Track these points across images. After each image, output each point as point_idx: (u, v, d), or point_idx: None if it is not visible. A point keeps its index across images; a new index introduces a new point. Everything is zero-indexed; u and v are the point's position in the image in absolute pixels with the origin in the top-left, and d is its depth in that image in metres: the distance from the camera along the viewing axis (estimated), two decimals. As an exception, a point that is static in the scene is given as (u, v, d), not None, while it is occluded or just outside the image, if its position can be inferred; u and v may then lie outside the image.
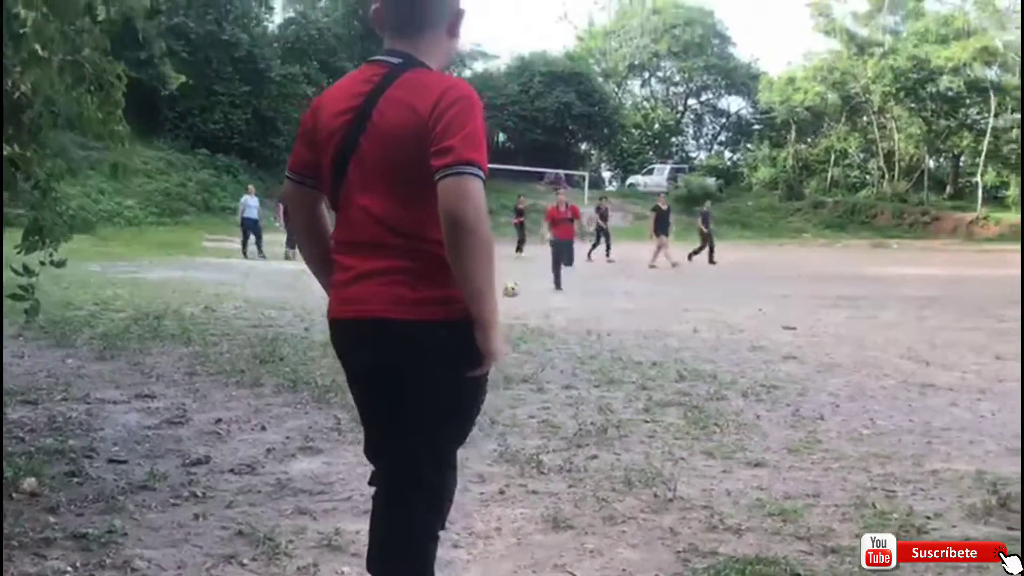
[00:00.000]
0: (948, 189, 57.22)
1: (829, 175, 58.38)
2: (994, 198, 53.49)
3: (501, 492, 4.23)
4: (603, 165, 65.76)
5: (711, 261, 25.40)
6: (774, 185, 57.70)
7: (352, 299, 2.39)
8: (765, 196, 55.70)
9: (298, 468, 4.59)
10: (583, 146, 61.03)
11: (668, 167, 56.71)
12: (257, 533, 3.62)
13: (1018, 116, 53.81)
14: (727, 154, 67.64)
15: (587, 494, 4.20)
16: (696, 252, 25.92)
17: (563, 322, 10.98)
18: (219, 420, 5.55)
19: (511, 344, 8.84)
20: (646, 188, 53.20)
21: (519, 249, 29.57)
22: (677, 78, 66.72)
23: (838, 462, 4.88)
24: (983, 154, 52.03)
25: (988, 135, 51.88)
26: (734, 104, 67.86)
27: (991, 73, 53.14)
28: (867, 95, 54.84)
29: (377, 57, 2.46)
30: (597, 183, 57.38)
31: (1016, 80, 52.03)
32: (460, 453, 4.69)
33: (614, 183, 62.49)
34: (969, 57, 50.24)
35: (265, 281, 16.23)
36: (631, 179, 58.18)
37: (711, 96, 67.92)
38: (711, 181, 53.14)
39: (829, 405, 6.42)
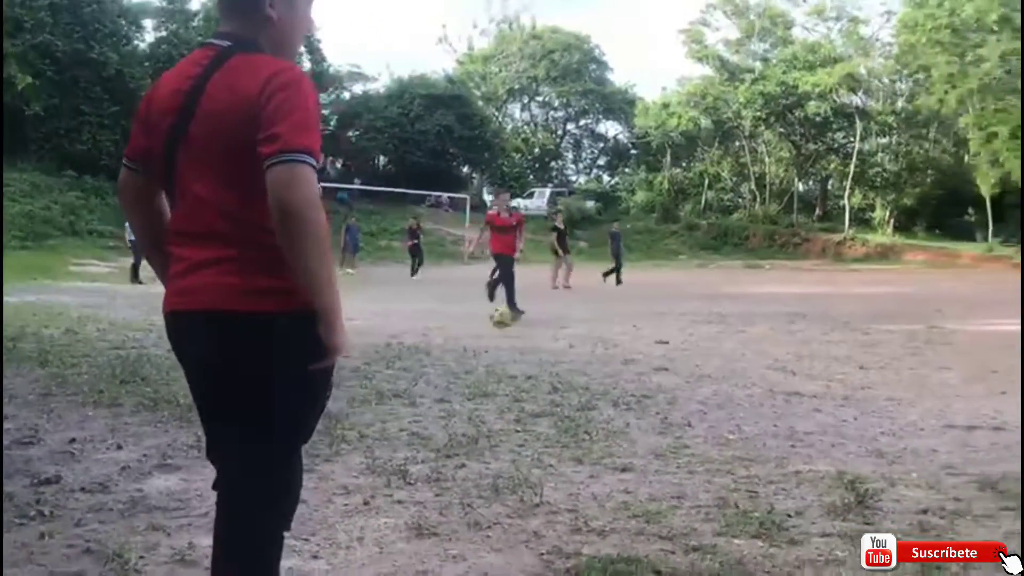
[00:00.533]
0: (817, 211, 59.33)
1: (703, 198, 59.88)
2: (861, 220, 55.63)
3: (366, 503, 4.15)
4: (485, 188, 66.05)
5: (618, 282, 25.48)
6: (651, 208, 58.89)
7: (185, 291, 2.30)
8: (642, 219, 56.77)
9: (154, 485, 4.42)
10: (465, 169, 61.17)
11: (548, 191, 57.32)
12: (106, 550, 3.46)
13: (884, 140, 56.27)
14: (605, 178, 68.79)
15: (453, 502, 4.15)
16: (609, 272, 25.96)
17: (440, 340, 10.93)
18: (73, 440, 5.32)
19: (386, 362, 8.76)
20: (527, 211, 53.58)
21: (414, 272, 29.26)
22: (556, 103, 67.61)
23: (703, 465, 4.94)
24: (850, 177, 54.16)
25: (854, 159, 54.02)
26: (611, 129, 69.17)
27: (856, 99, 55.43)
28: (739, 120, 56.58)
29: (209, 40, 2.39)
30: (479, 207, 57.57)
31: (880, 105, 54.40)
32: (325, 467, 4.67)
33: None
34: (835, 83, 52.34)
35: (133, 303, 15.71)
36: (513, 202, 58.53)
37: (589, 121, 69.08)
38: (590, 204, 54.01)
39: (697, 413, 6.52)
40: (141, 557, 3.41)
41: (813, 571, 3.34)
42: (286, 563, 2.94)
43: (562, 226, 24.56)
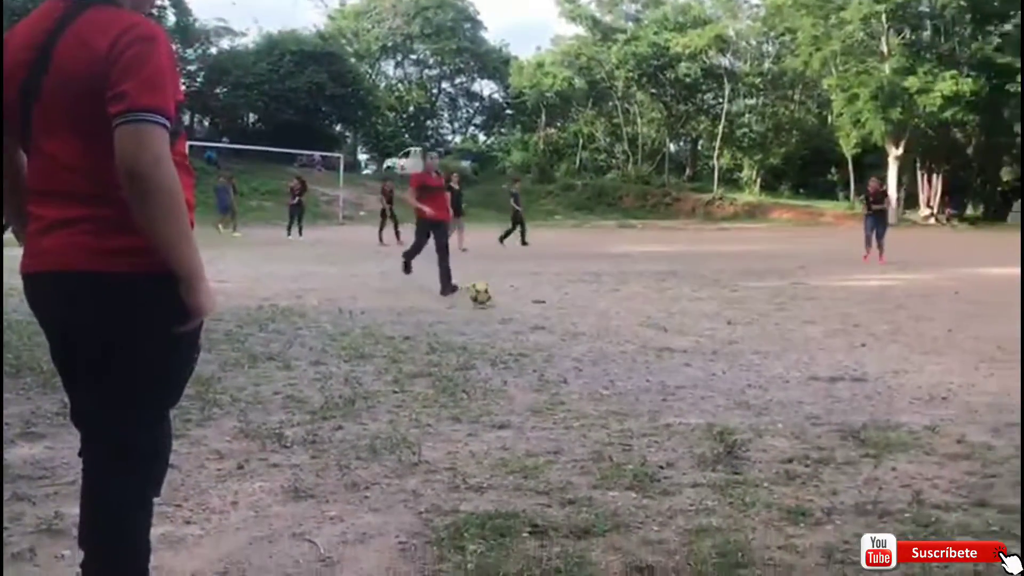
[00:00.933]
0: (688, 171, 60.61)
1: (578, 159, 60.49)
2: (729, 180, 57.06)
3: (240, 467, 4.08)
4: (359, 148, 65.25)
5: (524, 243, 24.80)
6: (526, 168, 59.17)
7: (41, 251, 2.21)
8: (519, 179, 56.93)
9: (17, 454, 4.25)
10: (338, 128, 60.30)
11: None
12: (-35, 523, 3.31)
13: (751, 101, 57.67)
14: (481, 137, 68.80)
15: (330, 464, 4.12)
16: (507, 235, 25.25)
17: (315, 302, 10.78)
18: (-75, 411, 5.07)
19: (259, 325, 8.60)
20: (403, 171, 53.20)
21: (290, 232, 28.56)
22: (430, 61, 67.16)
23: (579, 421, 5.02)
24: (719, 138, 55.41)
25: (723, 120, 55.24)
26: (487, 88, 69.15)
27: (725, 61, 56.63)
28: (612, 81, 57.18)
29: None
30: (353, 166, 56.86)
31: (747, 67, 55.69)
32: (196, 432, 4.58)
33: (371, 166, 62.18)
34: (704, 45, 53.36)
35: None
36: (388, 162, 58.03)
37: (464, 80, 68.83)
38: (466, 164, 53.92)
39: (573, 370, 6.61)
40: (5, 528, 3.28)
41: (684, 520, 3.44)
42: (158, 530, 2.87)
43: (457, 187, 24.12)
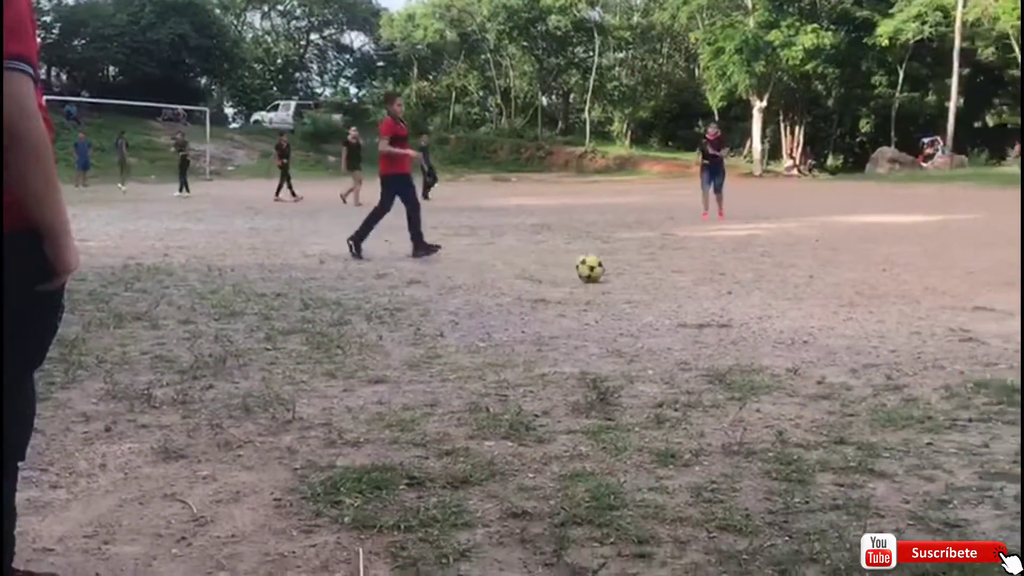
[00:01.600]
0: (560, 125, 60.93)
1: (451, 112, 60.15)
2: (601, 133, 57.65)
3: (107, 429, 3.97)
4: (225, 101, 63.46)
5: (426, 197, 24.23)
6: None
7: None
8: (391, 132, 56.32)
9: None
10: (203, 81, 58.49)
11: (294, 103, 55.87)
12: None
13: (621, 55, 58.24)
14: (352, 90, 67.72)
15: (201, 423, 4.04)
16: (428, 187, 25.43)
17: (183, 259, 10.52)
18: None
19: (124, 284, 8.35)
20: (272, 125, 52.11)
21: (185, 188, 27.62)
22: (298, 12, 65.59)
23: (455, 373, 5.05)
24: (590, 91, 55.83)
25: (594, 73, 55.65)
26: (357, 40, 67.98)
27: (594, 14, 56.97)
28: (483, 33, 56.88)
29: None
30: (220, 120, 55.30)
31: (617, 20, 56.14)
32: (61, 394, 4.44)
33: (238, 120, 60.63)
34: (574, -2, 53.50)
35: None
36: (256, 116, 56.65)
37: (333, 31, 67.53)
38: (337, 118, 53.06)
39: (449, 323, 6.63)
40: None
41: (559, 466, 3.51)
42: (23, 495, 2.78)
43: (355, 141, 23.66)
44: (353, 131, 24.70)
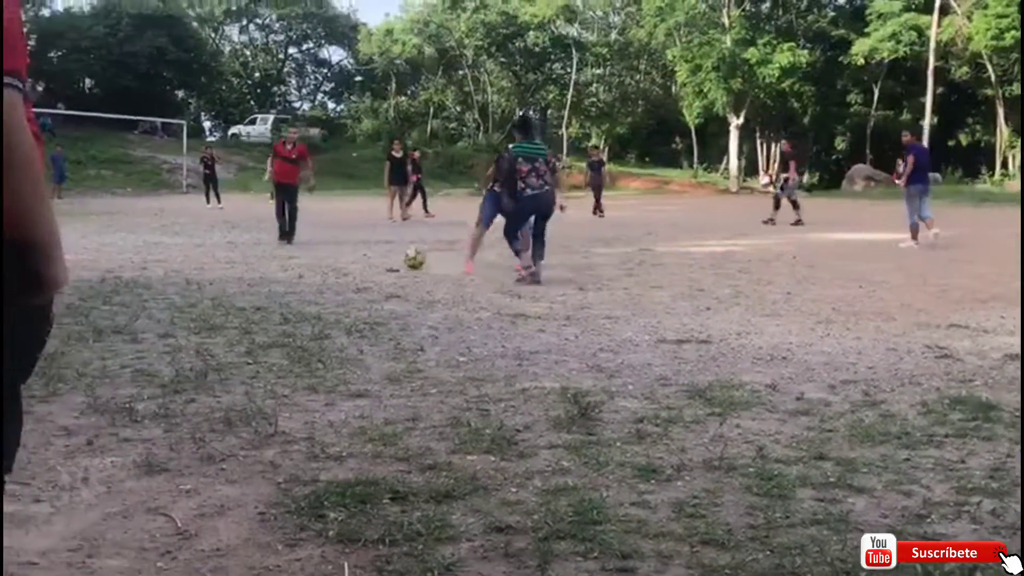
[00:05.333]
0: (538, 140, 60.98)
1: (429, 127, 60.18)
2: (579, 148, 57.80)
3: (89, 443, 3.95)
4: (203, 114, 63.27)
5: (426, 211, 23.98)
6: (377, 136, 58.44)
7: None
8: (369, 147, 56.33)
9: None
10: (180, 94, 58.28)
11: (272, 117, 55.66)
12: None
13: (598, 71, 58.50)
14: (331, 105, 67.66)
15: (184, 437, 4.04)
16: (425, 201, 24.51)
17: (161, 273, 10.48)
18: None
19: (102, 298, 8.31)
20: (249, 138, 51.98)
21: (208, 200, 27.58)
22: (276, 26, 65.47)
23: (436, 388, 5.06)
24: (567, 107, 56.04)
25: (571, 89, 55.88)
26: (335, 54, 67.92)
27: (572, 30, 57.23)
28: (461, 49, 57.03)
29: None
30: (198, 133, 55.09)
31: (594, 37, 56.41)
32: (41, 408, 4.42)
33: (216, 133, 60.42)
34: (553, 14, 53.76)
35: None
36: (233, 129, 56.48)
37: (312, 46, 67.47)
38: (315, 132, 52.94)
39: (429, 337, 6.64)
40: None
41: (541, 480, 3.53)
42: (5, 509, 2.76)
43: (399, 154, 23.33)
44: (396, 144, 24.17)
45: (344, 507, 3.20)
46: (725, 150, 51.95)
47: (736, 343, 6.52)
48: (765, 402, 4.77)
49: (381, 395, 4.89)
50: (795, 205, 20.32)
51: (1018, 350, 5.95)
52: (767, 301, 8.74)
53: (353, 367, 5.56)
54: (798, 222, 19.90)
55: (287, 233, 15.14)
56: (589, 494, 3.36)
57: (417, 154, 26.32)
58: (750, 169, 53.14)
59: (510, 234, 10.50)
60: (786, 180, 20.77)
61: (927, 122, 44.74)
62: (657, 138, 59.32)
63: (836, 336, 6.84)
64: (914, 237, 14.69)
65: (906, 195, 15.01)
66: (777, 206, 20.61)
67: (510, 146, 11.03)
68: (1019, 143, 44.50)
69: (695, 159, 52.65)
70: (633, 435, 4.14)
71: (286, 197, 15.30)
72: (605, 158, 18.97)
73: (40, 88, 48.47)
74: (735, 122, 49.75)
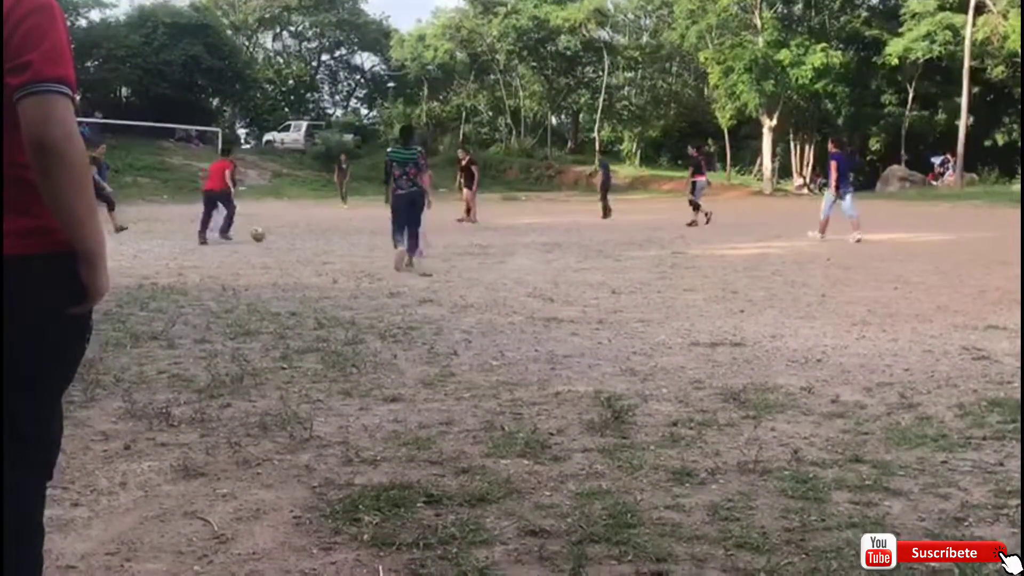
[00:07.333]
0: (569, 144, 61.00)
1: (461, 132, 60.23)
2: (610, 152, 57.69)
3: (127, 447, 4.01)
4: (237, 122, 63.73)
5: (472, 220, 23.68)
6: (408, 142, 58.51)
7: None
8: (401, 153, 56.39)
9: None
10: (215, 102, 58.70)
11: (305, 124, 55.95)
12: None
13: (630, 75, 58.38)
14: (363, 111, 67.91)
15: (220, 442, 4.08)
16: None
17: (197, 279, 10.58)
18: None
19: (139, 304, 8.40)
20: (284, 145, 52.32)
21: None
22: (309, 33, 65.81)
23: (470, 391, 5.08)
24: (599, 110, 55.93)
25: (603, 93, 55.75)
26: (368, 61, 68.17)
27: (604, 34, 57.12)
28: (493, 54, 57.07)
29: None
30: (232, 140, 55.49)
31: (626, 40, 56.30)
32: (80, 413, 4.48)
33: (250, 140, 60.85)
34: (584, 18, 53.62)
35: None
36: (268, 136, 56.84)
37: (344, 52, 67.74)
38: (349, 138, 53.17)
39: (462, 341, 6.66)
40: None
41: (575, 484, 3.53)
42: (45, 513, 2.80)
43: (465, 159, 23.47)
44: (461, 152, 24.36)
45: (378, 511, 3.22)
46: (758, 152, 51.59)
47: (770, 346, 6.49)
48: (800, 405, 4.75)
49: (415, 399, 4.91)
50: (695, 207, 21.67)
51: (1058, 352, 5.88)
52: (801, 303, 8.68)
53: (387, 371, 5.58)
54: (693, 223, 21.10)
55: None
56: (623, 497, 3.36)
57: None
58: (784, 171, 52.75)
59: (392, 229, 12.38)
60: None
61: (963, 122, 44.22)
62: (689, 141, 58.95)
63: (871, 338, 6.78)
64: (823, 231, 16.71)
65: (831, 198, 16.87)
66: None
67: (388, 150, 13.00)
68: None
69: (728, 161, 52.29)
70: (667, 438, 4.14)
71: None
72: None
73: (77, 97, 49.06)
74: (768, 124, 49.39)
